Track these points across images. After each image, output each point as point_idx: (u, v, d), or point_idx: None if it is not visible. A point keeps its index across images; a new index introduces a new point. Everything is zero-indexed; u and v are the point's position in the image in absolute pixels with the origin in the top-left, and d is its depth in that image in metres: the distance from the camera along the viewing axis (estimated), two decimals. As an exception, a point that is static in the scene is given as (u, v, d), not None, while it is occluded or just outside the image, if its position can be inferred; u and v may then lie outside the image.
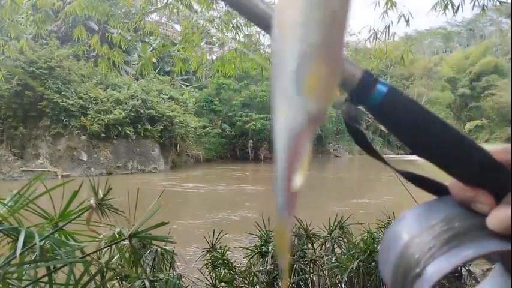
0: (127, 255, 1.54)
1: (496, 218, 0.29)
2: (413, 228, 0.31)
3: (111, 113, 19.52)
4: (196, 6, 5.14)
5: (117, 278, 1.86)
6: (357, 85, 0.30)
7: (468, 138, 0.31)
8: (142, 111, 20.45)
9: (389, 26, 4.36)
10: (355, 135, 0.32)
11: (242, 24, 5.43)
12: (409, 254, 0.30)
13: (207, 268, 2.45)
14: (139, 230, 1.06)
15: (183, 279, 2.09)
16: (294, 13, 0.22)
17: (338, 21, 0.23)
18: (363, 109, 0.31)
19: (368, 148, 0.33)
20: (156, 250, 2.08)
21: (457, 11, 4.26)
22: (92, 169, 18.88)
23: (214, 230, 2.60)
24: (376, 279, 2.33)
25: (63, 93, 18.57)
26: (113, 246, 1.71)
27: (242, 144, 30.29)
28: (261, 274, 2.39)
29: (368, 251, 2.37)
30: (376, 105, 0.30)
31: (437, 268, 0.28)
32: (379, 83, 0.31)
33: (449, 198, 0.33)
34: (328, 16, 0.22)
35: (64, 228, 1.05)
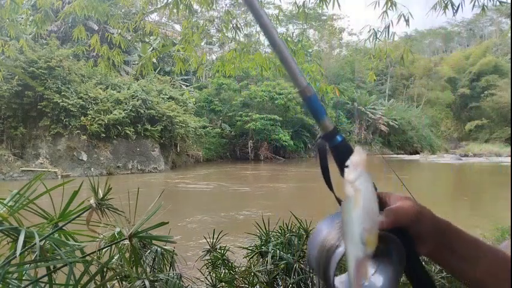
0: (127, 255, 1.54)
1: (381, 223, 0.52)
2: (328, 229, 0.54)
3: (111, 113, 19.51)
4: (196, 6, 5.14)
5: (117, 278, 1.86)
6: (330, 132, 0.53)
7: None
8: (142, 111, 20.44)
9: (389, 26, 4.36)
10: (322, 159, 0.55)
11: (242, 24, 5.43)
12: (329, 239, 0.51)
13: (207, 268, 2.45)
14: (139, 230, 1.06)
15: (183, 279, 2.09)
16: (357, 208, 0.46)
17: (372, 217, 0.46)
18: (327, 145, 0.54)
19: (325, 172, 0.58)
20: (156, 250, 2.08)
21: (457, 11, 4.26)
22: (92, 169, 18.88)
23: (214, 230, 2.59)
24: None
25: (63, 93, 18.57)
26: (113, 246, 1.71)
27: (242, 144, 30.29)
28: (261, 274, 2.39)
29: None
30: (335, 145, 0.53)
31: (343, 247, 0.49)
32: (339, 135, 0.53)
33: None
34: (371, 222, 0.46)
35: (64, 228, 1.05)
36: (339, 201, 0.52)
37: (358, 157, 0.50)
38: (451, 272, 0.58)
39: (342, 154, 0.51)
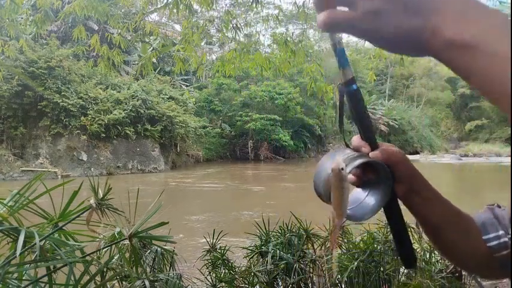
0: (127, 255, 1.54)
1: (372, 154, 0.63)
2: (336, 156, 0.63)
3: (111, 113, 19.51)
4: (196, 6, 5.14)
5: (117, 278, 1.86)
6: (349, 80, 0.59)
7: (370, 122, 0.65)
8: (142, 111, 20.44)
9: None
10: (340, 103, 0.64)
11: (242, 24, 5.44)
12: (338, 162, 0.58)
13: (207, 268, 2.45)
14: (139, 230, 1.06)
15: (183, 279, 2.09)
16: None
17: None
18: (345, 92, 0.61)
19: (340, 118, 0.68)
20: (156, 250, 2.08)
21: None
22: (92, 169, 18.88)
23: (214, 230, 2.59)
24: (376, 279, 2.34)
25: (63, 93, 18.56)
26: (113, 246, 1.71)
27: (242, 144, 30.29)
28: (261, 274, 2.39)
29: (368, 251, 2.37)
30: (350, 91, 0.60)
31: (351, 166, 0.59)
32: (355, 84, 0.60)
33: (347, 149, 0.66)
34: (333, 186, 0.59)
35: (64, 228, 1.05)
36: (347, 145, 0.66)
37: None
38: (415, 215, 0.68)
39: (354, 100, 0.61)
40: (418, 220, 0.70)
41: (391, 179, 0.63)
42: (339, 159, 0.59)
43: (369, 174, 0.66)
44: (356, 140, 0.66)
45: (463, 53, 0.36)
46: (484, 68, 0.35)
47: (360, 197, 0.68)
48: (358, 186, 0.68)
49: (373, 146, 0.64)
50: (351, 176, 0.65)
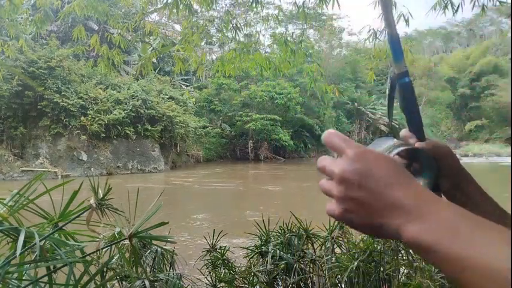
0: (127, 255, 1.54)
1: (418, 144, 0.65)
2: (381, 144, 0.61)
3: (111, 113, 19.51)
4: (196, 6, 5.14)
5: (117, 278, 1.86)
6: (402, 72, 0.62)
7: (419, 115, 0.67)
8: (142, 111, 20.44)
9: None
10: (391, 89, 0.66)
11: (242, 24, 5.43)
12: (385, 148, 0.59)
13: (207, 268, 2.45)
14: (139, 230, 1.06)
15: (183, 279, 2.09)
16: None
17: None
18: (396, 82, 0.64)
19: (390, 109, 0.70)
20: (156, 250, 2.08)
21: (456, 11, 4.26)
22: (92, 169, 18.88)
23: (214, 230, 2.59)
24: (376, 279, 2.34)
25: (63, 93, 18.56)
26: (113, 246, 1.71)
27: (242, 144, 30.28)
28: (261, 274, 2.39)
29: (368, 251, 2.37)
30: (403, 83, 0.63)
31: (394, 152, 0.58)
32: (408, 76, 0.62)
33: (391, 137, 0.64)
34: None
35: (64, 228, 1.05)
36: (394, 136, 0.67)
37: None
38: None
39: (406, 92, 0.63)
40: None
41: (435, 169, 0.63)
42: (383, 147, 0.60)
43: (415, 165, 0.66)
44: (404, 131, 0.69)
45: (424, 252, 0.41)
46: (440, 265, 0.40)
47: None
48: None
49: (421, 139, 0.66)
50: None
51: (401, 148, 0.60)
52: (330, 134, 0.49)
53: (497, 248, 0.36)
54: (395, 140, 0.64)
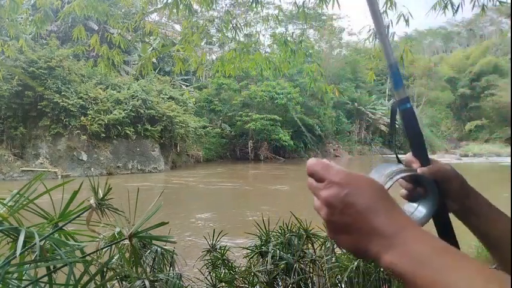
0: (127, 255, 1.54)
1: (420, 170, 0.64)
2: (383, 170, 0.63)
3: (111, 113, 19.51)
4: (196, 6, 5.14)
5: (117, 278, 1.86)
6: (402, 99, 0.64)
7: (422, 139, 0.68)
8: (142, 111, 20.43)
9: (388, 26, 4.36)
10: (392, 119, 0.68)
11: (242, 24, 5.43)
12: (387, 174, 0.61)
13: (207, 268, 2.45)
14: (139, 229, 1.06)
15: (183, 279, 2.09)
16: None
17: None
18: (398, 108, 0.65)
19: (392, 123, 0.70)
20: (156, 250, 2.08)
21: (456, 11, 4.26)
22: (92, 169, 18.87)
23: (214, 230, 2.59)
24: (376, 279, 2.34)
25: (63, 93, 18.55)
26: (113, 246, 1.71)
27: (242, 144, 30.28)
28: (261, 274, 2.39)
29: (368, 251, 2.36)
30: (404, 109, 0.64)
31: (394, 179, 0.60)
32: (409, 103, 0.64)
33: (394, 164, 0.66)
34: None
35: (64, 228, 1.05)
36: (398, 160, 0.68)
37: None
38: (473, 232, 0.70)
39: (408, 118, 0.65)
40: (477, 237, 0.71)
41: (437, 193, 0.65)
42: (384, 173, 0.62)
43: (419, 189, 0.68)
44: (408, 155, 0.70)
45: (398, 277, 0.44)
46: None
47: (410, 210, 0.70)
48: (409, 200, 0.70)
49: (424, 163, 0.67)
50: (402, 191, 0.72)
51: (403, 174, 0.62)
52: (310, 164, 0.51)
53: (460, 277, 0.39)
54: (399, 165, 0.66)
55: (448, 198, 0.67)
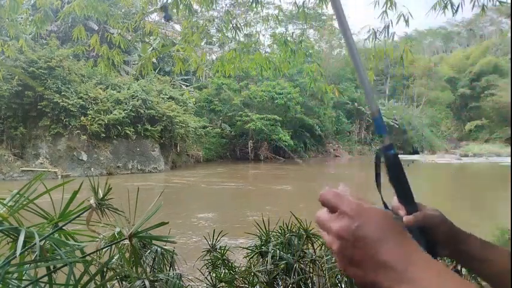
0: (127, 255, 1.54)
1: (406, 218, 0.66)
2: None
3: (111, 113, 19.50)
4: (196, 6, 5.14)
5: (117, 278, 1.86)
6: (387, 146, 0.63)
7: (407, 185, 0.66)
8: (142, 111, 20.43)
9: (388, 26, 4.36)
10: (376, 166, 0.65)
11: (242, 24, 5.43)
12: None
13: (207, 268, 2.45)
14: (139, 229, 1.06)
15: (183, 279, 2.09)
16: None
17: None
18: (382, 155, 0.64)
19: (377, 177, 0.65)
20: (156, 250, 2.08)
21: (456, 11, 4.26)
22: (92, 169, 18.87)
23: (214, 230, 2.59)
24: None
25: (63, 93, 18.55)
26: (113, 246, 1.71)
27: (242, 144, 30.28)
28: (261, 274, 2.39)
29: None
30: (388, 157, 0.63)
31: None
32: (393, 149, 0.63)
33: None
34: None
35: (64, 228, 1.05)
36: (385, 205, 0.67)
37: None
38: (471, 270, 0.72)
39: (393, 164, 0.64)
40: (479, 276, 0.72)
41: (424, 240, 0.67)
42: None
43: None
44: (394, 202, 0.71)
45: None
46: None
47: None
48: None
49: (410, 209, 0.68)
50: None
51: None
52: (324, 194, 0.52)
53: None
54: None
55: (437, 243, 0.69)
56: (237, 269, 2.44)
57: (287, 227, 2.60)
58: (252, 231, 2.64)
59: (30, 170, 17.33)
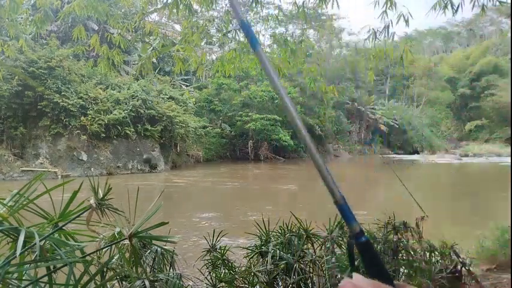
0: (127, 255, 1.54)
1: None
2: None
3: (111, 113, 19.50)
4: (196, 6, 5.14)
5: (117, 278, 1.86)
6: (357, 233, 0.64)
7: (386, 271, 0.65)
8: (142, 111, 20.44)
9: (388, 26, 4.36)
10: (350, 252, 0.67)
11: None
12: None
13: (207, 268, 2.45)
14: (139, 229, 1.06)
15: (183, 279, 2.09)
16: None
17: None
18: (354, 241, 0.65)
19: (352, 264, 0.69)
20: (156, 250, 2.08)
21: (456, 11, 4.26)
22: (92, 169, 18.87)
23: (214, 230, 2.59)
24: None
25: (63, 93, 18.56)
26: (113, 246, 1.71)
27: (242, 144, 30.28)
28: (261, 274, 2.39)
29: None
30: (361, 242, 0.64)
31: None
32: (364, 236, 0.64)
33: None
34: None
35: (64, 228, 1.05)
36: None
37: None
38: None
39: (365, 250, 0.65)
40: None
41: None
42: None
43: None
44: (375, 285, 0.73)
45: None
46: None
47: None
48: None
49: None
50: None
51: None
52: (342, 285, 0.56)
53: None
54: None
55: None
56: (237, 269, 2.44)
57: (287, 227, 2.60)
58: (252, 231, 2.64)
59: (30, 170, 17.32)
